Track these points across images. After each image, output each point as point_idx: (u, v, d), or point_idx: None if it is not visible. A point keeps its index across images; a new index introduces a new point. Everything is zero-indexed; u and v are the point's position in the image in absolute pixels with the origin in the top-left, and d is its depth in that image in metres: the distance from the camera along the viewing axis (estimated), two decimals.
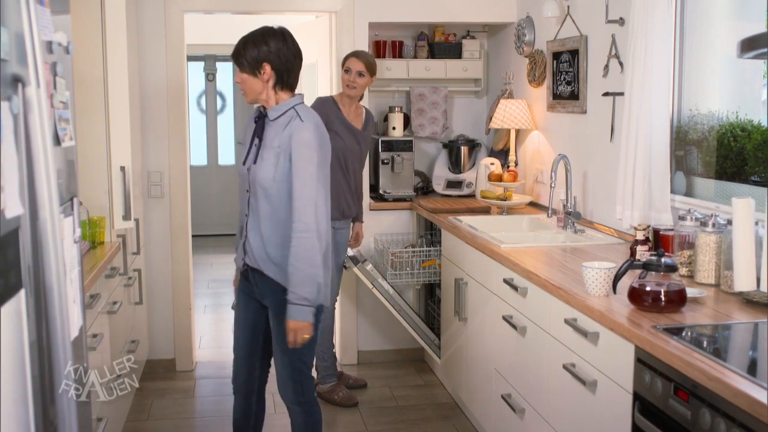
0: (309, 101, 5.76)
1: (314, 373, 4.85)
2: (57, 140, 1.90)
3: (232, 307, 3.35)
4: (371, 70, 4.53)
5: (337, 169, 4.41)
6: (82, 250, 2.32)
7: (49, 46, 1.85)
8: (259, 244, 3.07)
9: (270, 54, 3.02)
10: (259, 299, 3.19)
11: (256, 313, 3.24)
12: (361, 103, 5.30)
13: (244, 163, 3.11)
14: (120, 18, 3.70)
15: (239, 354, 3.31)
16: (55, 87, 1.91)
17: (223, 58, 9.95)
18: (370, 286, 4.86)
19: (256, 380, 3.33)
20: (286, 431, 4.20)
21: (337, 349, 5.36)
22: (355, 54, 4.53)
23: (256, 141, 3.08)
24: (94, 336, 3.18)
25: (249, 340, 3.28)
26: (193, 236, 5.27)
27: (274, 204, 3.02)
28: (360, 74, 4.47)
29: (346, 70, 4.50)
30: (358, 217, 4.76)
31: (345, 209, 4.56)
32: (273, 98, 3.07)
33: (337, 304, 5.31)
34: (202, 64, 9.97)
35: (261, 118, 3.10)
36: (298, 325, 2.97)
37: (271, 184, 3.00)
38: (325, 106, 4.43)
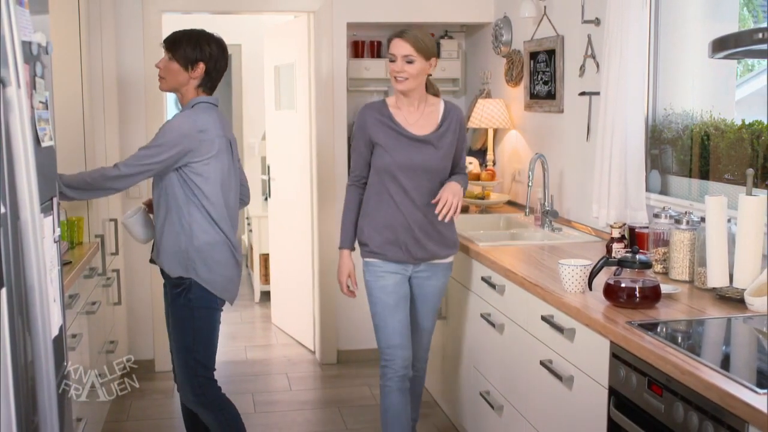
0: (286, 103, 5.78)
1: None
2: (37, 140, 1.91)
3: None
4: (425, 51, 3.28)
5: (383, 194, 3.36)
6: (61, 250, 2.33)
7: (28, 47, 1.85)
8: (170, 241, 3.19)
9: (209, 57, 3.21)
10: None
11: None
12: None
13: None
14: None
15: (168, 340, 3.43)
16: (34, 87, 1.92)
17: None
18: None
19: None
20: (267, 430, 4.22)
21: (317, 349, 5.38)
22: (399, 34, 3.31)
23: None
24: (74, 336, 3.17)
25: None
26: None
27: (179, 197, 3.19)
28: (408, 60, 3.27)
29: (391, 59, 3.31)
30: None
31: (413, 248, 3.36)
32: (189, 95, 3.25)
33: (317, 304, 5.33)
34: None
35: None
36: None
37: (162, 178, 3.21)
38: (365, 116, 3.39)
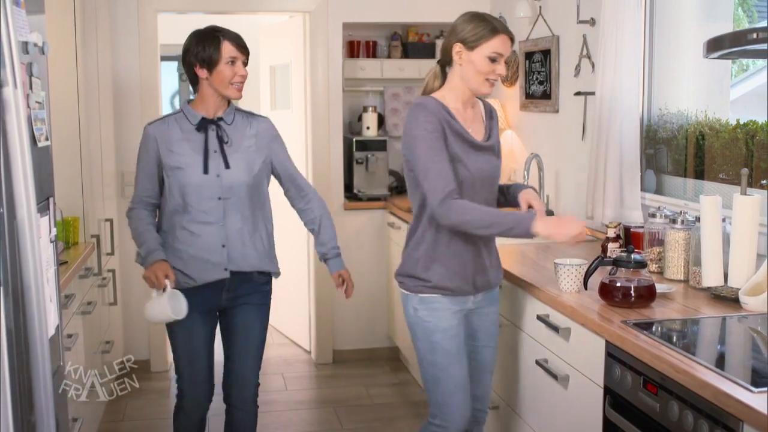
0: (281, 103, 5.78)
1: None
2: (33, 140, 1.91)
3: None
4: None
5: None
6: (57, 250, 2.33)
7: (24, 47, 1.86)
8: (256, 244, 3.09)
9: None
10: (229, 305, 3.13)
11: (212, 326, 3.19)
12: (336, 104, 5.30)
13: (206, 173, 3.00)
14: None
15: (203, 375, 3.16)
16: (30, 87, 1.92)
17: None
18: None
19: (212, 389, 3.27)
20: (262, 430, 4.22)
21: (312, 349, 5.38)
22: (505, 30, 2.71)
23: (216, 147, 3.02)
24: (69, 336, 3.17)
25: (209, 355, 3.19)
26: None
27: (255, 200, 3.09)
28: (506, 60, 2.84)
29: (493, 59, 2.69)
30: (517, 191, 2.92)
31: (478, 276, 2.81)
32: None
33: (312, 304, 5.33)
34: (175, 64, 9.93)
35: (205, 126, 3.03)
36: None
37: (252, 182, 3.06)
38: (436, 115, 2.69)
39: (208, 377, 3.19)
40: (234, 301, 3.13)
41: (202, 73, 3.00)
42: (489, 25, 2.68)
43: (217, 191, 3.01)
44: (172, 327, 3.11)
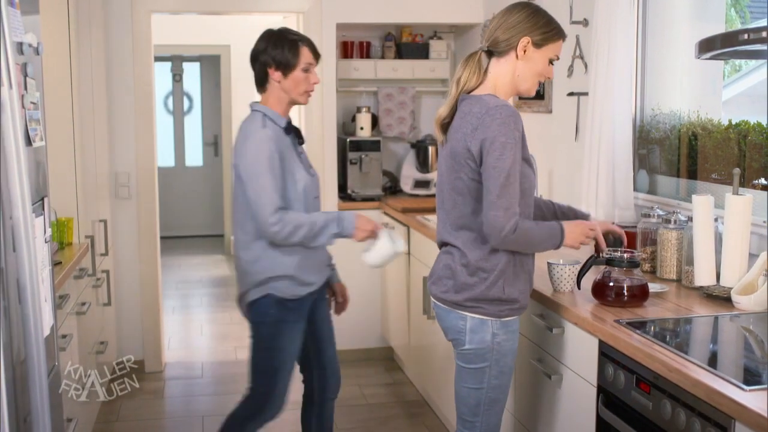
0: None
1: None
2: (28, 140, 1.91)
3: None
4: None
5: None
6: (51, 250, 2.33)
7: (19, 47, 1.86)
8: None
9: None
10: (313, 313, 3.19)
11: None
12: (330, 102, 5.31)
13: (310, 175, 3.10)
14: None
15: (288, 385, 3.23)
16: (25, 88, 1.92)
17: (190, 59, 9.92)
18: None
19: None
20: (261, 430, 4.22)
21: None
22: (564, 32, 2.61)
23: (300, 149, 3.09)
24: (64, 336, 3.17)
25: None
26: (160, 238, 5.27)
27: None
28: None
29: (551, 61, 2.59)
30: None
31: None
32: None
33: None
34: (169, 64, 9.93)
35: (288, 129, 3.04)
36: None
37: None
38: (520, 122, 2.46)
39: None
40: (318, 304, 3.23)
41: (276, 75, 2.97)
42: (558, 26, 2.56)
43: (316, 190, 3.14)
44: (285, 338, 3.04)
